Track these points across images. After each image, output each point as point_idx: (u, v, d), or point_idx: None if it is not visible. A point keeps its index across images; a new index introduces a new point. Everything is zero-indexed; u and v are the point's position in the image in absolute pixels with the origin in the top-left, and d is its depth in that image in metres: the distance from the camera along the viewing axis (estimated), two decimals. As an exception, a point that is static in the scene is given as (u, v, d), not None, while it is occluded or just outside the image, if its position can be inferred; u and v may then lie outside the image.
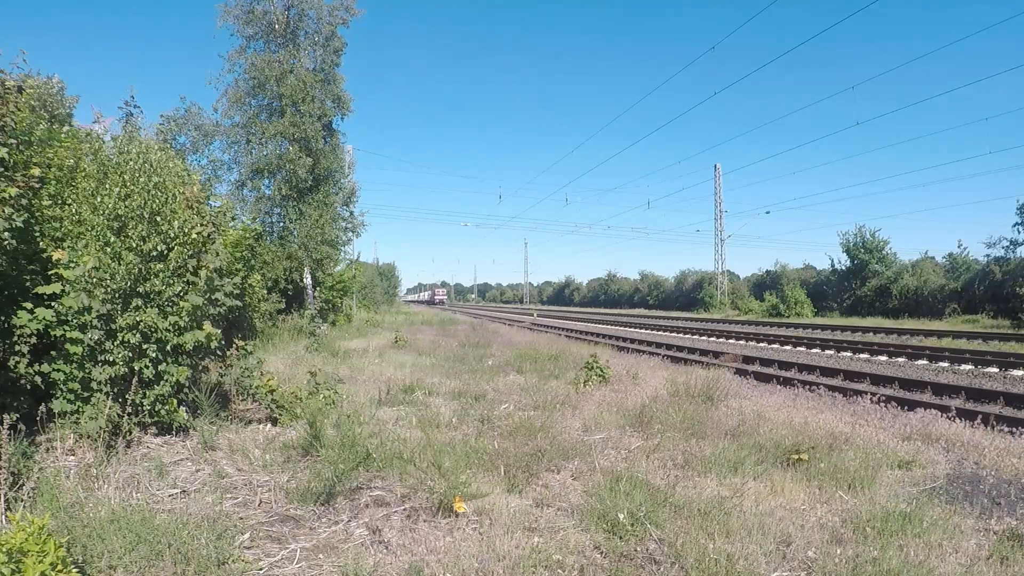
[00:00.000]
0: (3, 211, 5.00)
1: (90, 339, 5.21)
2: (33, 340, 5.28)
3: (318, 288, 20.79)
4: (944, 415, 7.38)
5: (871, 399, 8.37)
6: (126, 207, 5.60)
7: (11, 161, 5.37)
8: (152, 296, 5.55)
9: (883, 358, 13.86)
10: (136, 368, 5.34)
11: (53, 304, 5.26)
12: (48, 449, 4.79)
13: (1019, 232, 29.98)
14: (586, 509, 4.06)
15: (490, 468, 4.87)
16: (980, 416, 7.30)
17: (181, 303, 5.63)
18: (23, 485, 3.80)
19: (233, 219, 12.86)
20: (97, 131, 8.49)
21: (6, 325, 5.32)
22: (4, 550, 2.52)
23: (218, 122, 19.95)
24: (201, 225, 6.03)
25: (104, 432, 4.92)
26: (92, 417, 5.13)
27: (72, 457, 4.78)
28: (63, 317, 5.23)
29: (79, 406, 5.27)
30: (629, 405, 7.40)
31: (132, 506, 3.64)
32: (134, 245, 5.53)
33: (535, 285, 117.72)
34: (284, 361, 11.05)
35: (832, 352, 15.41)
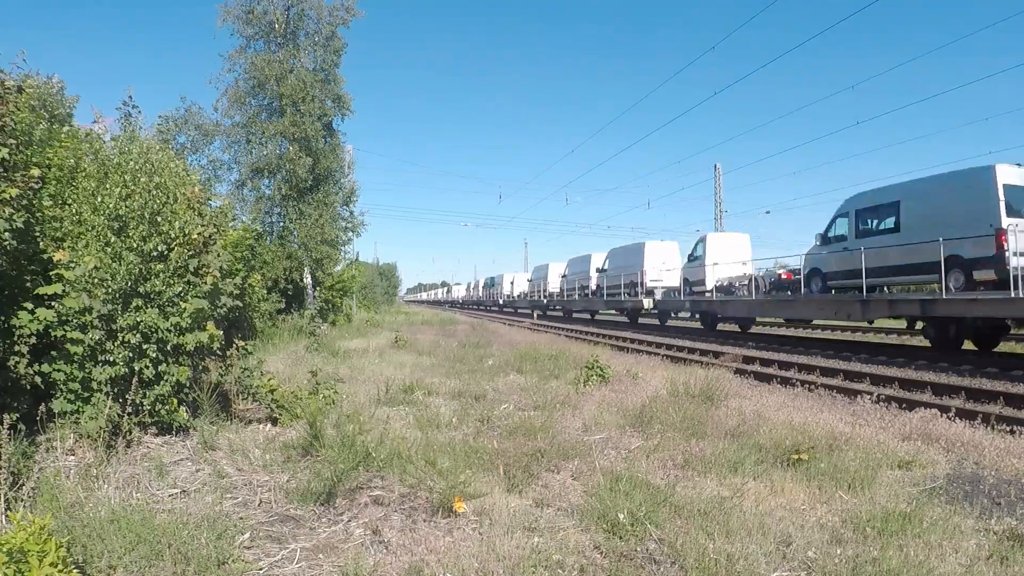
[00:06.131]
0: (3, 211, 5.00)
1: (90, 339, 5.21)
2: (33, 340, 5.28)
3: (318, 288, 20.80)
4: (944, 415, 7.38)
5: (871, 399, 8.38)
6: (127, 207, 5.61)
7: (11, 161, 5.37)
8: (153, 296, 5.55)
9: (883, 358, 13.85)
10: (136, 368, 5.34)
11: (53, 304, 5.26)
12: (48, 449, 4.79)
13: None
14: (586, 509, 4.06)
15: (490, 468, 4.87)
16: (980, 416, 7.29)
17: (183, 304, 5.63)
18: (23, 485, 3.80)
19: (233, 219, 12.88)
20: (97, 131, 8.49)
21: (6, 325, 5.31)
22: (5, 550, 2.52)
23: (218, 122, 20.00)
24: (202, 226, 6.03)
25: (104, 432, 4.92)
26: (92, 417, 5.13)
27: (72, 457, 4.78)
28: (63, 317, 5.23)
29: (79, 406, 5.27)
30: (629, 405, 7.40)
31: (132, 506, 3.64)
32: (135, 245, 5.54)
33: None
34: (284, 361, 11.05)
35: (832, 352, 15.40)
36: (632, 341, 19.91)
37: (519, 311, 49.41)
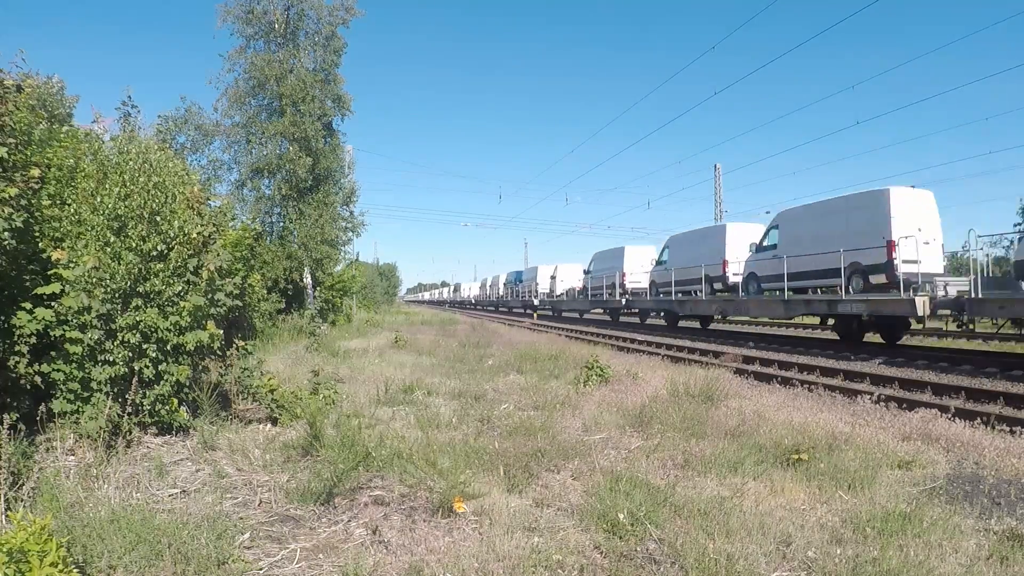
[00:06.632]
0: (3, 211, 5.00)
1: (90, 339, 5.21)
2: (33, 340, 5.28)
3: (318, 288, 20.80)
4: (944, 415, 7.38)
5: (871, 399, 8.38)
6: (126, 207, 5.61)
7: (10, 161, 5.37)
8: (152, 296, 5.55)
9: (883, 358, 13.85)
10: (136, 368, 5.34)
11: (53, 304, 5.26)
12: (48, 449, 4.79)
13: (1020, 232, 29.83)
14: (586, 509, 4.06)
15: (490, 468, 4.87)
16: (980, 416, 7.30)
17: (182, 303, 5.63)
18: (23, 485, 3.80)
19: (233, 219, 12.88)
20: (96, 131, 8.49)
21: (6, 325, 5.32)
22: (5, 550, 2.52)
23: (218, 122, 19.99)
24: (201, 225, 6.04)
25: (104, 432, 4.92)
26: (92, 417, 5.13)
27: (72, 457, 4.78)
28: (63, 317, 5.23)
29: (79, 406, 5.27)
30: (629, 405, 7.40)
31: (132, 506, 3.64)
32: (134, 245, 5.54)
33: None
34: (284, 361, 11.05)
35: (832, 352, 15.40)
36: (632, 341, 19.92)
37: (564, 314, 39.31)
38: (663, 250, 26.29)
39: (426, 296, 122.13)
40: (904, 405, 8.36)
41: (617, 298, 28.94)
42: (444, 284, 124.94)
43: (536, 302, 43.35)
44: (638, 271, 28.51)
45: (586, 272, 34.65)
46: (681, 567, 3.33)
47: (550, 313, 41.62)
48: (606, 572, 3.34)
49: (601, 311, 34.15)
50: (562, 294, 39.99)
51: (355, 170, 27.19)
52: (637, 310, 29.24)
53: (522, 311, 46.02)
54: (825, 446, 5.59)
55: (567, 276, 39.93)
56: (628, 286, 28.79)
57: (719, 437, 5.91)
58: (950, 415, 7.41)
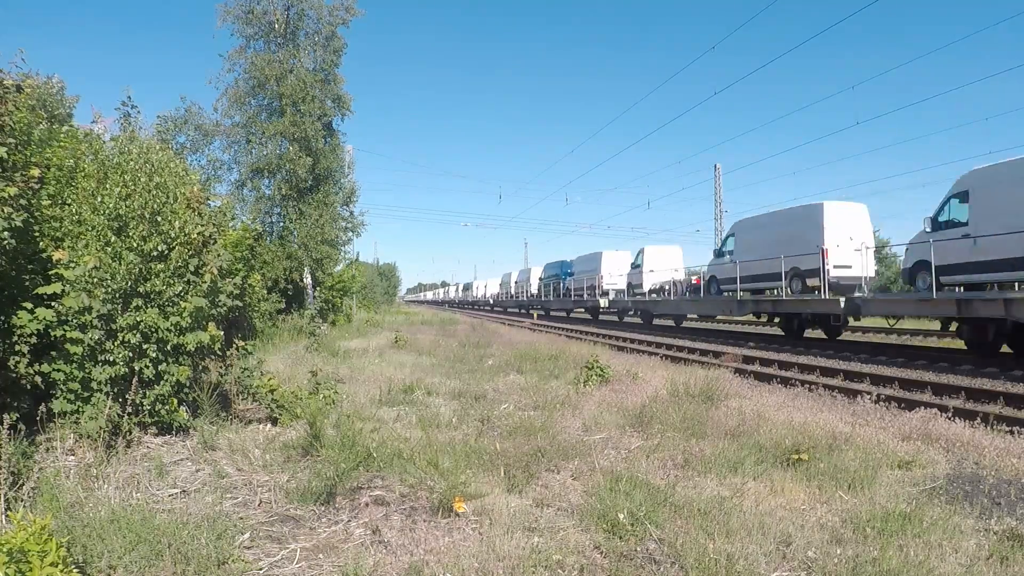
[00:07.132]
0: (3, 211, 5.00)
1: (90, 339, 5.21)
2: (33, 340, 5.28)
3: (318, 288, 20.80)
4: (944, 415, 7.37)
5: (871, 399, 8.37)
6: (127, 207, 5.61)
7: (10, 161, 5.37)
8: (153, 296, 5.56)
9: (883, 358, 13.85)
10: (136, 368, 5.34)
11: (53, 304, 5.26)
12: (48, 449, 4.79)
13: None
14: (586, 509, 4.06)
15: (490, 468, 4.87)
16: (980, 416, 7.29)
17: (183, 304, 5.63)
18: (23, 485, 3.80)
19: (233, 219, 12.89)
20: (97, 131, 8.49)
21: (6, 325, 5.32)
22: (5, 550, 2.52)
23: (218, 122, 19.98)
24: (202, 225, 6.04)
25: (104, 432, 4.92)
26: (92, 417, 5.13)
27: (72, 457, 4.78)
28: (63, 317, 5.23)
29: (79, 406, 5.27)
30: (629, 405, 7.40)
31: (132, 506, 3.64)
32: (135, 245, 5.54)
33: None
34: (284, 361, 11.05)
35: (832, 352, 15.40)
36: (632, 341, 19.91)
37: (656, 321, 27.04)
38: (946, 202, 13.66)
39: (428, 296, 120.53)
40: (904, 405, 8.36)
41: (822, 294, 16.46)
42: (444, 284, 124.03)
43: (604, 302, 30.31)
44: (847, 247, 16.48)
45: (718, 254, 22.23)
46: (681, 567, 3.33)
47: (616, 318, 29.46)
48: (606, 572, 3.34)
49: (757, 320, 20.33)
50: (658, 289, 26.73)
51: (355, 170, 27.21)
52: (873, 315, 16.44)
53: (564, 315, 33.84)
54: (825, 446, 5.59)
55: (658, 263, 26.57)
56: (832, 274, 16.69)
57: (719, 437, 5.91)
58: (950, 415, 7.40)
